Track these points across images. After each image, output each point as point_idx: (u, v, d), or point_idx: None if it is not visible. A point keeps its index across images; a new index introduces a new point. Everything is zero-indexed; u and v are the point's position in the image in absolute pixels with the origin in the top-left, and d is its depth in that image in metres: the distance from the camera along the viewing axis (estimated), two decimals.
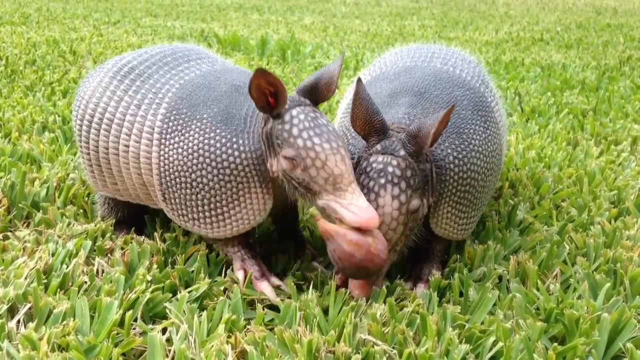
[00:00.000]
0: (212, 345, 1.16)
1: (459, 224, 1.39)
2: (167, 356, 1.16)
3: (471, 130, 1.38)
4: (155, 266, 1.45)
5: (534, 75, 3.98)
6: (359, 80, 1.29)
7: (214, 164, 1.31)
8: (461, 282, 1.39)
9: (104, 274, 1.42)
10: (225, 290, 1.39)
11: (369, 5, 10.07)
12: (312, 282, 1.40)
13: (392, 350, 1.17)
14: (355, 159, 1.35)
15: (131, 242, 1.56)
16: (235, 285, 1.36)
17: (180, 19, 6.84)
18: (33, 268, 1.38)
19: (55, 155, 2.13)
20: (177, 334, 1.20)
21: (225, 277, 1.43)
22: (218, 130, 1.32)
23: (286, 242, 1.60)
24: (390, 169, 1.26)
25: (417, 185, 1.28)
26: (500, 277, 1.45)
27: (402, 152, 1.28)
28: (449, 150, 1.34)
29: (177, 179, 1.35)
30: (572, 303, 1.31)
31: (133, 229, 1.66)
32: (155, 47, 1.61)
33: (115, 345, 1.16)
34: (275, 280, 1.42)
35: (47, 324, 1.21)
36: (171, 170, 1.36)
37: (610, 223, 1.74)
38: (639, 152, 2.44)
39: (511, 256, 1.52)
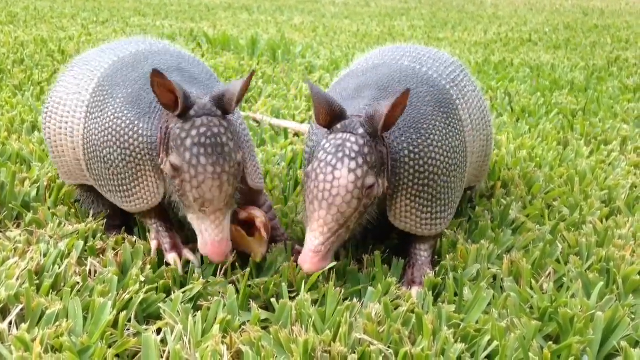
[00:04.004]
0: (208, 346, 1.15)
1: (421, 217, 1.41)
2: (162, 357, 1.16)
3: (431, 126, 1.41)
4: (148, 266, 1.44)
5: (523, 75, 4.00)
6: (308, 80, 1.34)
7: (118, 143, 1.37)
8: (455, 281, 1.40)
9: (96, 275, 1.41)
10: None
11: (358, 6, 10.08)
12: (304, 282, 1.40)
13: (388, 350, 1.17)
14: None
15: (123, 242, 1.55)
16: (230, 285, 1.35)
17: (169, 19, 6.81)
18: (25, 269, 1.37)
19: (45, 155, 2.10)
20: (171, 335, 1.19)
21: (219, 277, 1.42)
22: (126, 112, 1.38)
23: None
24: (348, 144, 1.30)
25: (374, 163, 1.31)
26: (494, 277, 1.45)
27: (360, 131, 1.32)
28: (405, 145, 1.37)
29: (94, 153, 1.43)
30: (566, 302, 1.31)
31: (124, 228, 1.64)
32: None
33: (109, 346, 1.15)
34: (187, 253, 1.46)
35: (40, 325, 1.20)
36: (90, 143, 1.43)
37: (601, 222, 1.75)
38: (628, 152, 2.45)
39: (504, 255, 1.52)
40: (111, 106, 1.40)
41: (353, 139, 1.31)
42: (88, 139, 1.44)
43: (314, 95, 1.32)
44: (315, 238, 1.30)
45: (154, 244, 1.49)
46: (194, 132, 1.28)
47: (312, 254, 1.29)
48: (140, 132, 1.36)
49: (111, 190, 1.44)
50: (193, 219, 1.33)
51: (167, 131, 1.32)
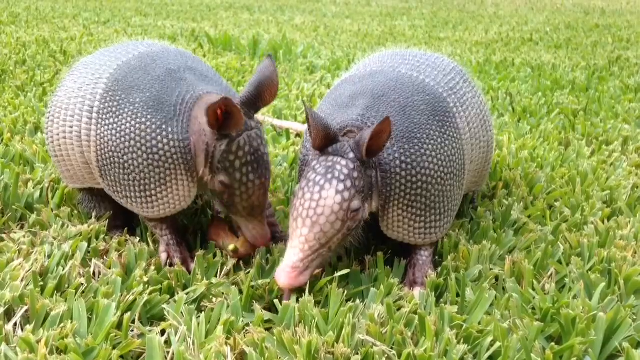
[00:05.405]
0: (211, 347, 1.16)
1: (414, 227, 1.42)
2: (166, 358, 1.16)
3: (424, 135, 1.40)
4: (152, 268, 1.44)
5: (524, 75, 4.00)
6: (306, 105, 1.34)
7: (144, 148, 1.37)
8: (458, 282, 1.40)
9: (100, 276, 1.42)
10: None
11: (359, 5, 10.08)
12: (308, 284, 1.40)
13: (390, 351, 1.18)
14: (309, 158, 1.42)
15: (126, 244, 1.55)
16: (234, 287, 1.36)
17: (170, 19, 6.81)
18: (29, 270, 1.37)
19: (48, 156, 2.11)
20: (175, 336, 1.20)
21: (222, 278, 1.43)
22: (149, 116, 1.38)
23: None
24: (338, 167, 1.32)
25: (361, 188, 1.33)
26: (496, 277, 1.46)
27: (351, 155, 1.34)
28: (397, 155, 1.37)
29: (111, 159, 1.42)
30: (568, 303, 1.32)
31: (126, 229, 1.65)
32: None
33: (114, 348, 1.16)
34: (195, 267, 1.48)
35: (45, 326, 1.21)
36: (106, 150, 1.42)
37: (603, 223, 1.76)
38: (630, 152, 2.46)
39: (506, 256, 1.53)
40: (129, 111, 1.39)
41: (343, 162, 1.33)
42: (103, 146, 1.42)
43: (312, 121, 1.32)
44: (294, 254, 1.31)
45: (163, 257, 1.50)
46: (240, 153, 1.36)
47: (289, 269, 1.30)
48: (170, 136, 1.36)
49: (128, 196, 1.43)
50: (239, 220, 1.44)
51: (211, 150, 1.36)
